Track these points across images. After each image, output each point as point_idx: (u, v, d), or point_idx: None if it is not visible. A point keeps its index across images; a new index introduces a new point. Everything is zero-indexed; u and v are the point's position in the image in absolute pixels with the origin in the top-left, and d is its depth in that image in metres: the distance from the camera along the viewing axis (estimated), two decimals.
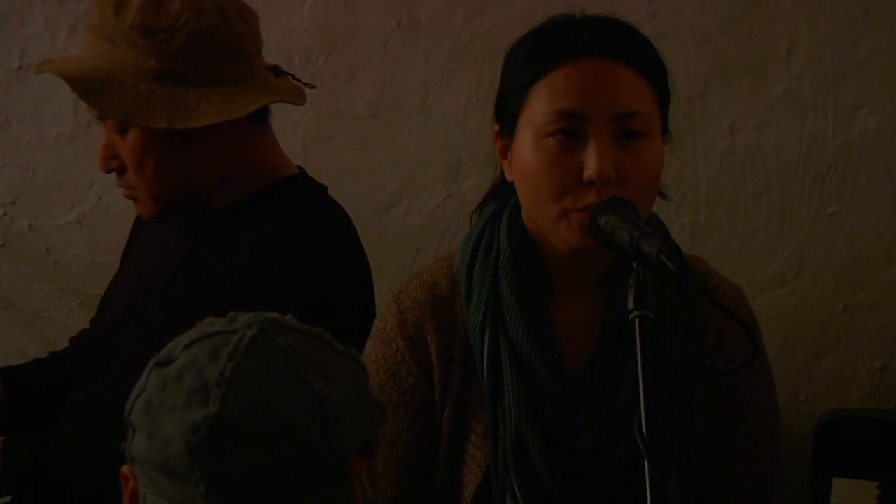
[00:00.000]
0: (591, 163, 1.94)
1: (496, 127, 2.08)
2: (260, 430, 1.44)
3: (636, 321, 1.74)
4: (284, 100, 2.46)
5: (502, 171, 2.09)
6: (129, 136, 2.39)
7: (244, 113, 2.36)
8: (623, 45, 2.01)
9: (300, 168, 2.56)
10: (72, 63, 2.41)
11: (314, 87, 2.54)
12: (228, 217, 2.46)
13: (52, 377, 2.65)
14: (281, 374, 1.47)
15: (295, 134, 3.20)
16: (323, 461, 1.45)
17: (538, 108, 1.99)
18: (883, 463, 2.76)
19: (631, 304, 1.75)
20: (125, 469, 1.54)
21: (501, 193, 2.14)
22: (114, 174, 2.47)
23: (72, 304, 3.44)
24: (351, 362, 1.55)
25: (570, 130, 1.96)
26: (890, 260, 3.09)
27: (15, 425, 2.62)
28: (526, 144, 2.00)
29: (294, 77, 2.52)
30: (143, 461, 1.49)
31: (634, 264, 1.79)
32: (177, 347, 1.52)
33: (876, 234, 3.08)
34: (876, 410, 3.10)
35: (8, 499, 2.44)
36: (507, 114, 2.05)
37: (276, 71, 2.49)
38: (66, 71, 2.38)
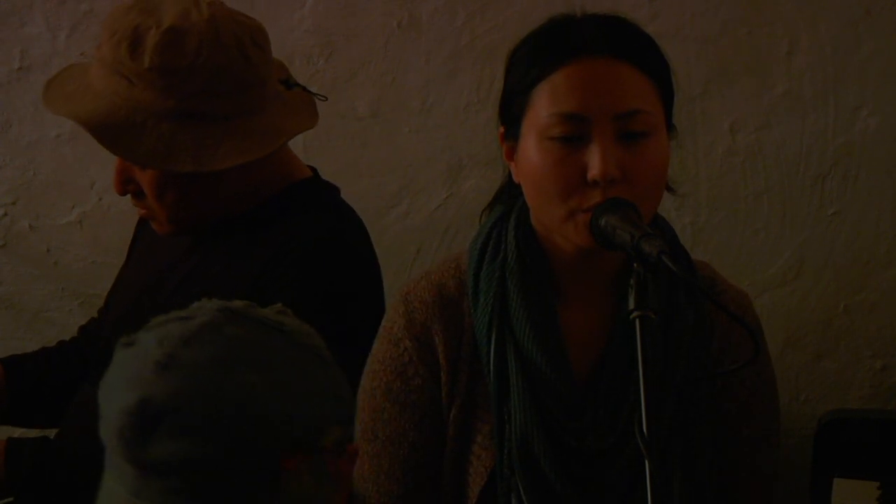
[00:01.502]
0: (594, 163, 1.94)
1: (501, 129, 2.08)
2: (181, 419, 1.46)
3: (636, 321, 1.74)
4: (301, 130, 2.43)
5: (510, 173, 2.09)
6: (148, 169, 2.36)
7: (268, 152, 2.33)
8: (624, 42, 2.00)
9: (313, 169, 2.56)
10: (87, 102, 2.35)
11: (325, 98, 2.53)
12: (243, 222, 2.45)
13: (58, 368, 2.65)
14: (214, 364, 1.49)
15: None
16: (240, 456, 1.47)
17: (541, 110, 1.99)
18: (883, 463, 2.75)
19: (631, 305, 1.75)
20: None
21: (509, 195, 2.14)
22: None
23: (72, 305, 3.44)
24: (309, 355, 1.56)
25: (573, 137, 1.96)
26: (890, 260, 3.09)
27: (17, 414, 2.61)
28: (530, 147, 2.00)
29: (305, 88, 2.50)
30: (102, 438, 1.53)
31: (635, 265, 1.79)
32: (142, 329, 1.56)
33: (876, 234, 3.08)
34: (876, 411, 3.10)
35: (11, 499, 2.44)
36: (510, 116, 2.05)
37: (287, 83, 2.46)
38: (84, 116, 2.33)
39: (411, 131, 3.23)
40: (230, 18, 2.35)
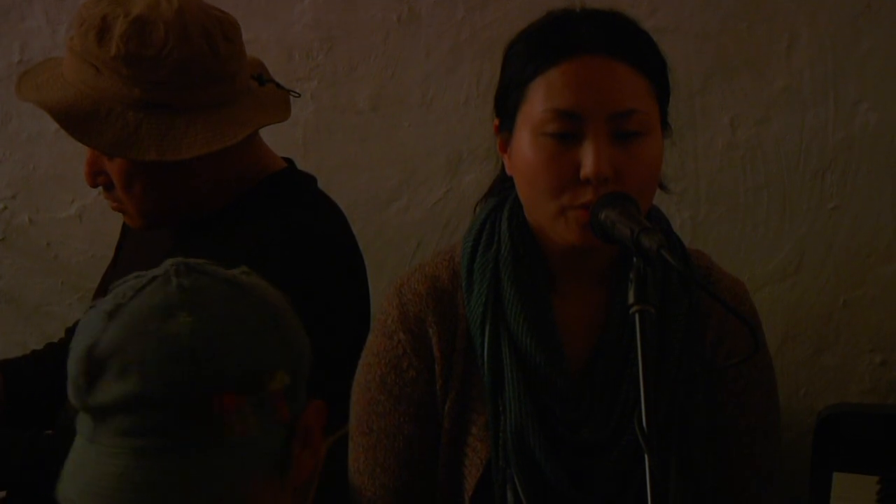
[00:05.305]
0: (587, 161, 1.94)
1: (496, 121, 2.08)
2: (122, 361, 1.53)
3: (636, 315, 1.74)
4: (270, 122, 2.43)
5: (503, 165, 2.10)
6: (116, 159, 2.36)
7: (232, 142, 2.33)
8: (621, 41, 2.00)
9: (289, 161, 2.55)
10: (56, 91, 2.36)
11: (298, 94, 2.53)
12: (219, 219, 2.44)
13: (50, 369, 2.65)
14: (153, 310, 1.55)
15: (295, 128, 3.21)
16: (181, 392, 1.52)
17: (536, 105, 1.98)
18: (883, 458, 2.76)
19: (631, 299, 1.75)
20: None
21: (503, 186, 2.14)
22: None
23: (72, 299, 3.44)
24: (258, 304, 1.61)
25: (567, 134, 1.96)
26: (890, 255, 3.09)
27: (16, 418, 2.61)
28: (524, 141, 2.00)
29: (278, 84, 2.49)
30: (70, 398, 1.61)
31: (635, 259, 1.79)
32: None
33: (876, 229, 3.09)
34: (876, 405, 3.10)
35: (2, 494, 2.44)
36: (505, 109, 2.05)
37: (261, 79, 2.46)
38: (51, 104, 2.34)
39: (411, 125, 3.23)
40: (201, 11, 2.35)
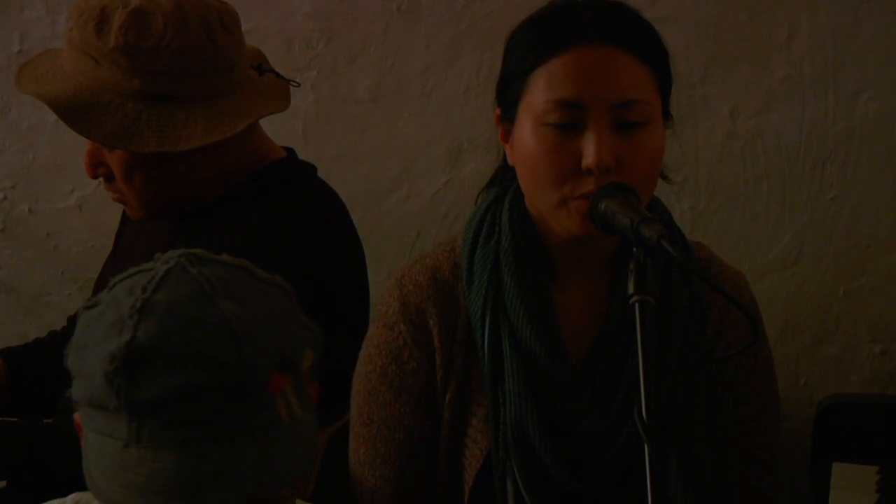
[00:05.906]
0: (589, 151, 1.94)
1: (497, 111, 2.08)
2: (170, 352, 1.50)
3: (636, 306, 1.74)
4: (270, 112, 2.43)
5: (505, 155, 2.09)
6: (116, 151, 2.36)
7: (232, 133, 2.33)
8: (623, 30, 2.00)
9: (289, 150, 2.55)
10: (55, 83, 2.36)
11: (298, 84, 2.52)
12: (218, 208, 2.44)
13: (52, 357, 2.65)
14: (190, 299, 1.54)
15: (295, 119, 3.20)
16: (234, 377, 1.51)
17: (537, 95, 1.98)
18: (883, 448, 2.76)
19: (631, 289, 1.74)
20: (76, 416, 1.62)
21: (504, 177, 2.14)
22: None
23: (71, 289, 3.44)
24: (273, 288, 1.63)
25: (568, 124, 1.96)
26: (890, 245, 3.09)
27: (18, 406, 2.62)
28: (526, 131, 1.99)
29: (278, 74, 2.49)
30: (79, 401, 1.57)
31: (634, 249, 1.79)
32: (103, 291, 1.60)
33: (876, 219, 3.08)
34: (876, 395, 3.11)
35: (2, 484, 2.44)
36: (507, 99, 2.04)
37: (260, 69, 2.46)
38: (50, 96, 2.34)
39: (411, 116, 3.23)
40: (199, 1, 2.35)
